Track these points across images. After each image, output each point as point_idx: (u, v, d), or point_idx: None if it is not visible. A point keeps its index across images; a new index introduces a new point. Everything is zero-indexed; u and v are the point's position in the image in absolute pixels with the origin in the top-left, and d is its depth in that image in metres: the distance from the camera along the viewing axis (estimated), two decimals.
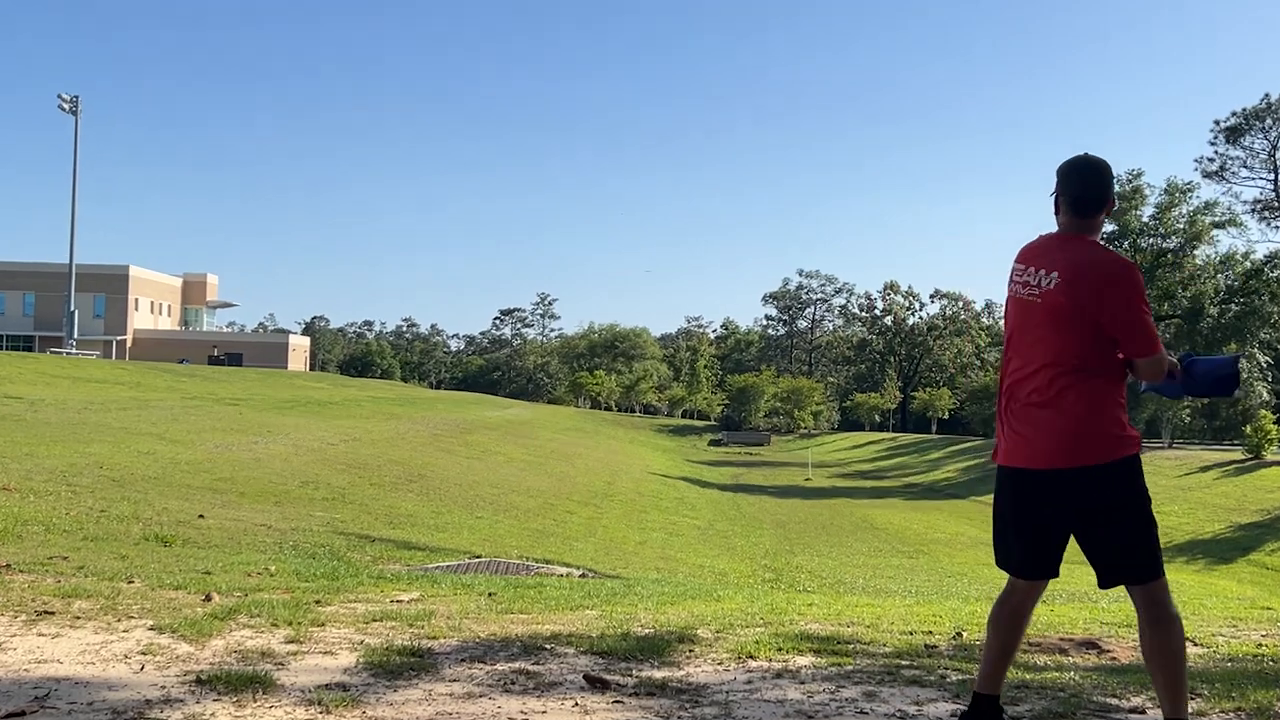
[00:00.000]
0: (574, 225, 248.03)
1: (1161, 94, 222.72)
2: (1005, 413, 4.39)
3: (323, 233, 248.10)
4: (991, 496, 4.53)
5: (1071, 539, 4.28)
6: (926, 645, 6.89)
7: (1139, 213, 70.29)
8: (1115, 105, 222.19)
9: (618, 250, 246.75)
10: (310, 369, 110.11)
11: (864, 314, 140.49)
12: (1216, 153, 68.33)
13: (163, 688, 4.91)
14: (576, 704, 4.97)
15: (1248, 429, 54.57)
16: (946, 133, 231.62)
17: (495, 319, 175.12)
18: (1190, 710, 4.77)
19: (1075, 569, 4.84)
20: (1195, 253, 70.27)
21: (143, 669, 5.27)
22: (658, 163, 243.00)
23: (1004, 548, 4.43)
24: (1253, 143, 67.58)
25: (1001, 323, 6.65)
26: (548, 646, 6.25)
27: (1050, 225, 4.44)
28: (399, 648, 5.97)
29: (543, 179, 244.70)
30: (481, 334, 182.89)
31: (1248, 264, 70.43)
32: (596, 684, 5.34)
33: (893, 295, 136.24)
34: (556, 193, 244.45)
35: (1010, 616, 4.48)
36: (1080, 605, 11.69)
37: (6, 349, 79.65)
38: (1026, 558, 4.36)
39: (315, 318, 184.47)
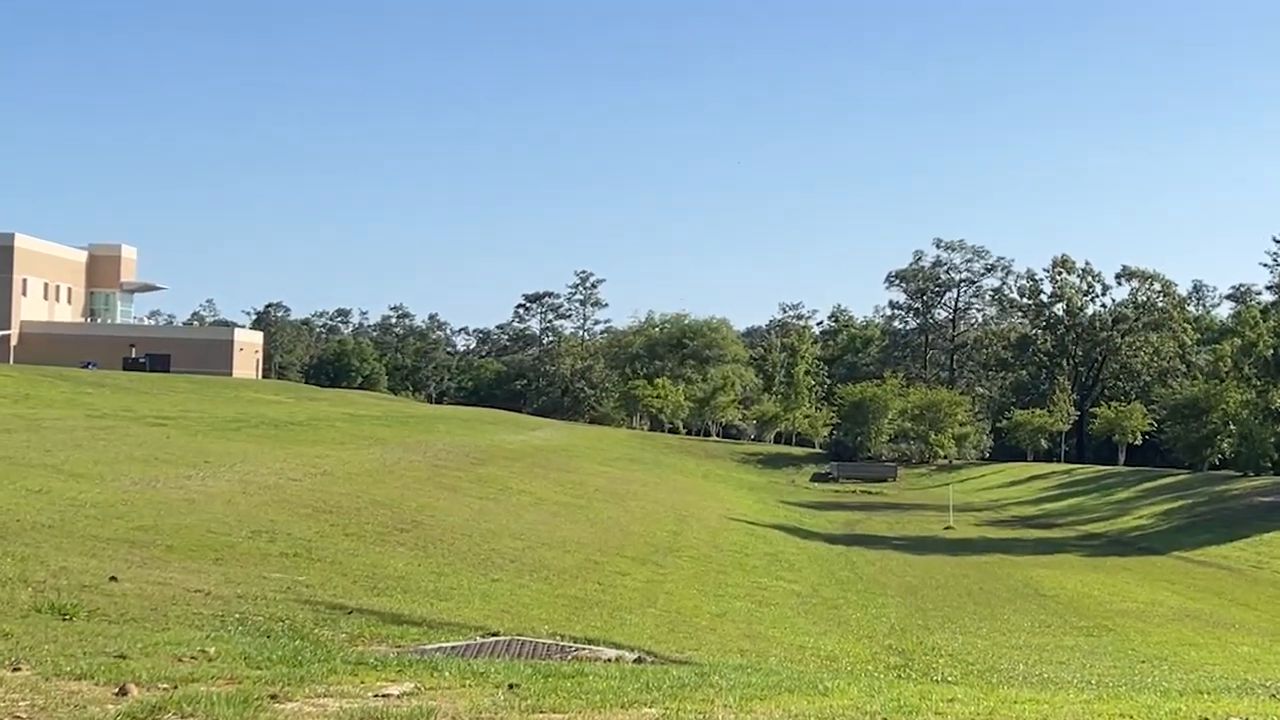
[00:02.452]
0: (624, 179, 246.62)
1: None
2: None
3: (279, 191, 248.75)
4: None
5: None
6: None
7: None
8: None
9: (685, 214, 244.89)
10: (264, 376, 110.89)
11: (1026, 300, 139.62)
12: None
13: None
14: None
15: None
16: (1139, 48, 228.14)
17: (519, 307, 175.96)
18: None
19: None
20: None
21: None
22: (737, 94, 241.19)
23: None
24: None
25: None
26: None
27: None
28: None
29: (583, 116, 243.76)
30: (499, 328, 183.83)
31: None
32: None
33: (1065, 275, 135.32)
34: (602, 135, 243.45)
35: None
36: None
37: None
38: None
39: (270, 306, 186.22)
